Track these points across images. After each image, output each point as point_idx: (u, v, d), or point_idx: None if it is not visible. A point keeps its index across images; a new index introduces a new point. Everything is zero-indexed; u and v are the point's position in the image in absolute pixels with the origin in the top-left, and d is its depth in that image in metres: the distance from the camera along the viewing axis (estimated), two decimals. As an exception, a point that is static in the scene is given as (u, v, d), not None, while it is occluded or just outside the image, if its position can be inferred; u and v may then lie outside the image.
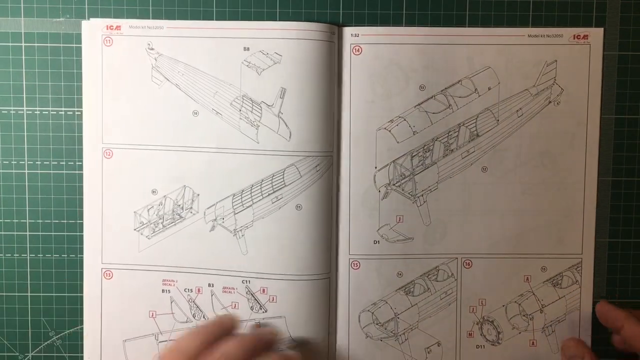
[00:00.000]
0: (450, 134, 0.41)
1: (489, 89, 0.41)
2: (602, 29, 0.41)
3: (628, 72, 0.41)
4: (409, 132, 0.41)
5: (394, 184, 0.41)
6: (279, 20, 0.41)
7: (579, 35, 0.41)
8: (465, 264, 0.42)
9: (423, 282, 0.42)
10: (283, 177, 0.40)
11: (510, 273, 0.42)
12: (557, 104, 0.41)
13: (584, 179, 0.42)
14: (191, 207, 0.41)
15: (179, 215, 0.41)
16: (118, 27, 0.40)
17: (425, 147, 0.41)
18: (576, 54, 0.41)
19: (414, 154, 0.41)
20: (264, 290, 0.41)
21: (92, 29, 0.40)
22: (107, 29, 0.40)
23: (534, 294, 0.42)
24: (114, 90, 0.41)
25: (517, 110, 0.41)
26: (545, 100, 0.41)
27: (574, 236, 0.42)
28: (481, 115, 0.41)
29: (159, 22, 0.40)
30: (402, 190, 0.42)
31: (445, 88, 0.41)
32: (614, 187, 0.42)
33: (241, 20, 0.41)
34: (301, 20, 0.41)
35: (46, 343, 0.43)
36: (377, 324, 0.42)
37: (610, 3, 0.41)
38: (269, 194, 0.41)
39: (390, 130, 0.41)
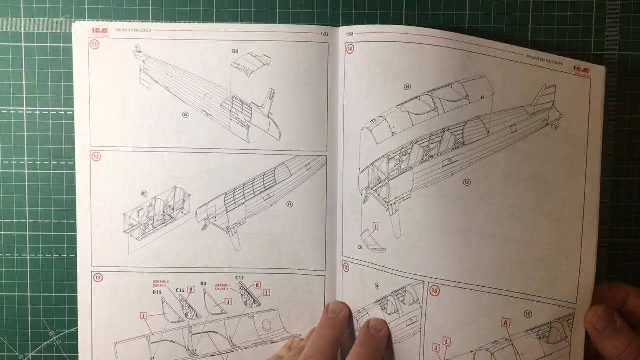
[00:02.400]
0: (432, 138, 0.37)
1: (482, 97, 0.38)
2: (603, 67, 0.38)
3: (628, 72, 0.41)
4: (388, 133, 0.38)
5: (371, 188, 0.39)
6: (278, 22, 0.41)
7: (580, 68, 0.38)
8: (432, 290, 0.37)
9: (394, 300, 0.38)
10: (274, 176, 0.41)
11: (484, 311, 0.36)
12: (556, 128, 0.38)
13: (582, 214, 0.37)
14: (182, 208, 0.41)
15: (169, 216, 0.41)
16: (105, 30, 0.40)
17: (403, 150, 0.38)
18: (577, 85, 0.38)
19: (390, 157, 0.38)
20: (257, 285, 0.42)
21: (79, 32, 0.40)
22: (94, 32, 0.40)
23: (512, 343, 0.36)
24: (101, 93, 0.41)
25: (511, 126, 0.38)
26: (542, 122, 0.38)
27: (568, 280, 0.36)
28: (471, 122, 0.37)
29: (146, 24, 0.40)
30: (378, 195, 0.38)
31: (433, 89, 0.38)
32: (614, 187, 0.42)
33: (231, 21, 0.41)
34: (301, 22, 0.41)
35: (46, 343, 0.43)
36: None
37: (610, 3, 0.41)
38: (260, 192, 0.41)
39: (371, 131, 0.39)
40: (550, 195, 0.37)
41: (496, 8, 0.41)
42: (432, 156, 0.37)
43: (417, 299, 0.37)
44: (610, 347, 0.34)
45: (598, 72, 0.38)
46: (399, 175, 0.38)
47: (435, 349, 0.37)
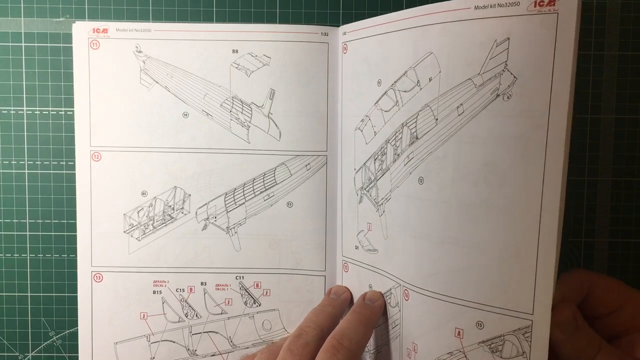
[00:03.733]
0: (396, 135, 0.34)
1: (430, 79, 0.32)
2: None
3: (628, 72, 0.41)
4: (372, 133, 0.36)
5: (364, 189, 0.38)
6: (278, 22, 0.41)
7: (542, 2, 0.29)
8: (404, 294, 0.35)
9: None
10: (274, 176, 0.41)
11: (441, 320, 0.33)
12: (508, 97, 0.30)
13: (540, 204, 0.29)
14: (182, 208, 0.41)
15: (169, 216, 0.41)
16: (105, 30, 0.40)
17: (381, 150, 0.35)
18: (537, 29, 0.29)
19: (375, 157, 0.36)
20: (257, 285, 0.42)
21: (79, 32, 0.40)
22: (94, 32, 0.40)
23: (465, 356, 0.32)
24: (102, 93, 0.41)
25: (458, 107, 0.31)
26: (492, 94, 0.30)
27: (523, 287, 0.30)
28: (421, 112, 0.33)
29: (146, 24, 0.40)
30: (370, 195, 0.37)
31: (395, 82, 0.34)
32: (614, 187, 0.42)
33: (231, 21, 0.41)
34: (301, 22, 0.41)
35: (46, 343, 0.43)
36: None
37: (610, 3, 0.41)
38: (260, 192, 0.41)
39: (362, 130, 0.37)
40: (503, 187, 0.30)
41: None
42: (398, 155, 0.35)
43: (397, 302, 0.35)
44: (570, 348, 0.30)
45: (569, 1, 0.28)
46: (382, 176, 0.36)
47: (408, 354, 0.35)
